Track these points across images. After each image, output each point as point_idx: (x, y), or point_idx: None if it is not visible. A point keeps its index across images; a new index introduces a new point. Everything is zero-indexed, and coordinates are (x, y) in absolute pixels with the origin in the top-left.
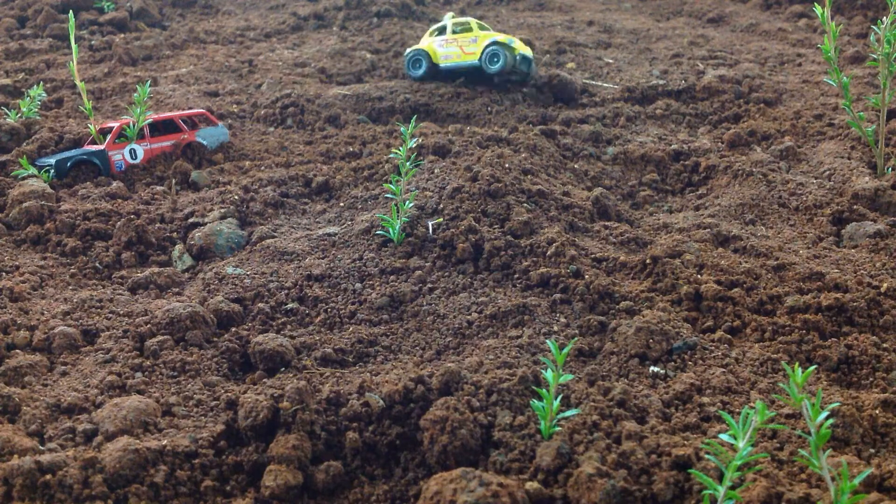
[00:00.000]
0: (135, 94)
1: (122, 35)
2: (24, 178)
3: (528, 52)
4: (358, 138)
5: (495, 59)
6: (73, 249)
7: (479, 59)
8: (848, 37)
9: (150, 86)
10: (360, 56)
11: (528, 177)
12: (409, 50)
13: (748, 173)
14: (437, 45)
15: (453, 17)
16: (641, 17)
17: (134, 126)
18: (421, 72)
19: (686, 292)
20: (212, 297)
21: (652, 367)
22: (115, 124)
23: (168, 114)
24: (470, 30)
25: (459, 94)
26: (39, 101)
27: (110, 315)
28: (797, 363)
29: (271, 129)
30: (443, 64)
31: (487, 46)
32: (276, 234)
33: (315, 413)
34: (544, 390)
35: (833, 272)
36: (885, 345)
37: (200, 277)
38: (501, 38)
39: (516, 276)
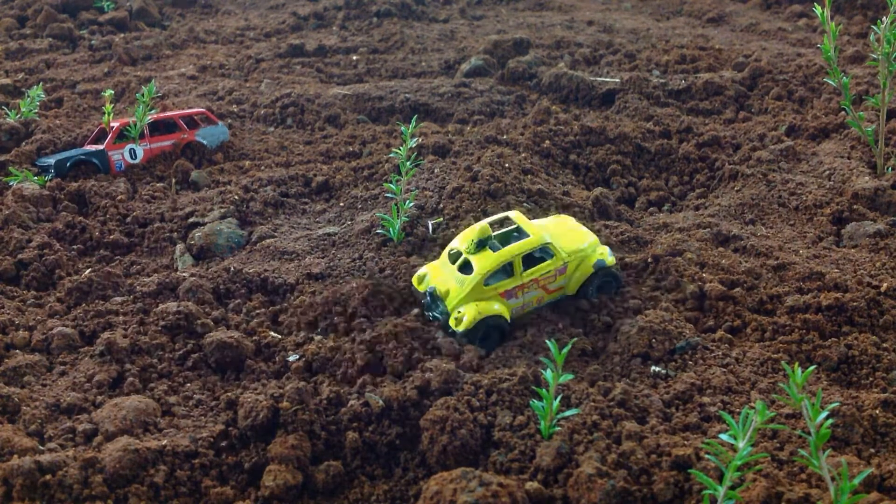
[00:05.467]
0: (138, 94)
1: (122, 35)
2: (19, 184)
3: None
4: (358, 138)
5: None
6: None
7: None
8: (848, 37)
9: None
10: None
11: (528, 176)
12: None
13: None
14: None
15: None
16: (641, 16)
17: (135, 126)
18: None
19: (688, 292)
20: None
21: (654, 367)
22: (115, 124)
23: (168, 113)
24: None
25: (460, 94)
26: (39, 101)
27: (110, 315)
28: (797, 363)
29: (271, 128)
30: None
31: None
32: (275, 233)
33: (315, 413)
34: (544, 390)
35: (833, 272)
36: (885, 345)
37: None
38: None
39: None
